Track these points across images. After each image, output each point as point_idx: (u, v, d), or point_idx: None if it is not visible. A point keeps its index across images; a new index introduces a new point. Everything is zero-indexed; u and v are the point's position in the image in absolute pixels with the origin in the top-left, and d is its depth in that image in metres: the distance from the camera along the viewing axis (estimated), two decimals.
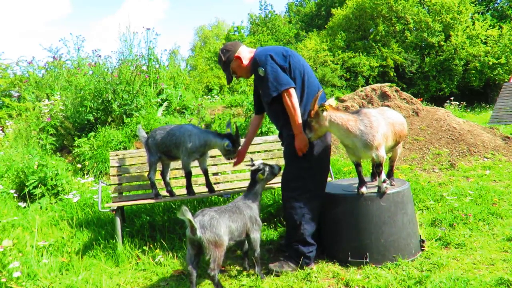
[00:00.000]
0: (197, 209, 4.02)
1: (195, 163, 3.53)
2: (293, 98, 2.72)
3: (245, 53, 2.97)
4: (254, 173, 2.83)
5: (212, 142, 3.27)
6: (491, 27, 20.17)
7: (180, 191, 3.69)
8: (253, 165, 2.86)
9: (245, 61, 2.95)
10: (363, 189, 2.83)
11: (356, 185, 2.94)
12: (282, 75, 2.73)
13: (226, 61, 2.97)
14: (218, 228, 2.46)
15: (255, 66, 2.83)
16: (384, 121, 2.84)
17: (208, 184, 3.50)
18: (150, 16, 60.87)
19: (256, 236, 2.73)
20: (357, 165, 2.95)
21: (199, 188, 3.68)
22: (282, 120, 2.95)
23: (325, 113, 2.69)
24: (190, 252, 2.53)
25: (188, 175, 3.41)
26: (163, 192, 3.58)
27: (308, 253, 2.88)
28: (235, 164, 3.44)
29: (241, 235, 2.67)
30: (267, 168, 2.84)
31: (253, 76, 2.98)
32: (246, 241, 2.83)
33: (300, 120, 2.76)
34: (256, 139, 4.10)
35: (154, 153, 3.41)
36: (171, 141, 3.32)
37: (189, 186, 3.44)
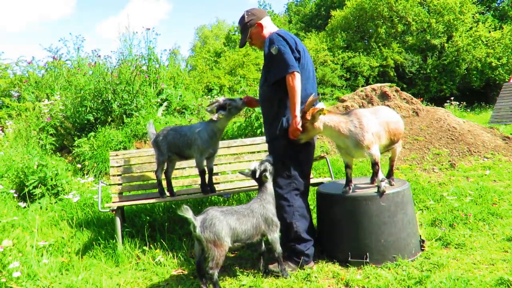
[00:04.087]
0: (197, 209, 4.03)
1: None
2: (296, 81, 2.71)
3: (268, 24, 3.00)
4: (254, 175, 2.76)
5: (216, 125, 3.27)
6: (492, 28, 20.16)
7: (180, 191, 3.70)
8: (251, 170, 2.78)
9: (265, 31, 2.97)
10: (346, 189, 2.90)
11: (357, 185, 2.98)
12: (291, 59, 2.74)
13: (248, 23, 2.98)
14: (218, 228, 2.44)
15: (270, 43, 2.83)
16: (376, 120, 2.86)
17: (210, 183, 3.50)
18: (153, 17, 61.14)
19: (274, 236, 2.71)
20: (347, 167, 3.01)
21: (199, 188, 3.68)
22: (270, 118, 2.96)
23: (321, 117, 2.74)
24: (197, 247, 2.55)
25: (202, 173, 3.42)
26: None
27: (306, 250, 2.88)
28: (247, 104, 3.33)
29: (251, 237, 2.64)
30: (266, 165, 2.76)
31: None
32: (262, 243, 2.79)
33: (299, 104, 2.77)
34: (256, 139, 4.11)
35: (164, 153, 3.43)
36: (183, 142, 3.36)
37: (203, 185, 3.47)
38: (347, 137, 2.79)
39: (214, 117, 3.22)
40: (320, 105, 2.87)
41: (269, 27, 2.99)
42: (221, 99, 3.22)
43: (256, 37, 3.01)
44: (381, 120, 2.91)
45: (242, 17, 3.02)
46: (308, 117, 2.71)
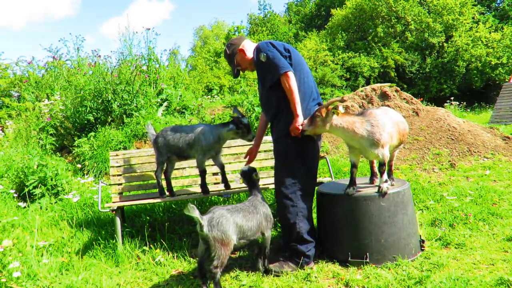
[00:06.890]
0: (197, 209, 4.02)
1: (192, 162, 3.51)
2: (291, 81, 2.76)
3: (249, 46, 3.05)
4: (249, 175, 2.86)
5: (223, 133, 3.31)
6: (493, 29, 20.14)
7: (180, 191, 3.70)
8: (242, 171, 2.90)
9: (249, 54, 3.02)
10: (350, 190, 2.87)
11: (358, 185, 2.96)
12: (282, 60, 2.79)
13: (231, 54, 3.06)
14: (226, 226, 2.45)
15: (257, 53, 2.89)
16: (389, 120, 2.87)
17: (224, 180, 3.51)
18: (156, 17, 61.19)
19: (269, 234, 2.77)
20: (353, 166, 2.98)
21: (199, 188, 3.67)
22: (274, 119, 3.00)
23: (334, 117, 2.73)
24: (201, 246, 2.55)
25: (203, 173, 3.43)
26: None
27: (307, 251, 2.88)
28: (247, 163, 3.47)
29: (255, 234, 2.67)
30: (252, 167, 2.92)
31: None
32: (258, 241, 2.82)
33: (299, 102, 2.80)
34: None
35: (163, 153, 3.43)
36: (184, 142, 3.35)
37: (203, 185, 3.47)
38: (363, 137, 2.76)
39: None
40: (340, 108, 2.85)
41: (251, 48, 3.04)
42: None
43: (243, 62, 3.07)
44: (394, 120, 2.93)
45: (225, 52, 3.11)
46: (323, 114, 2.71)
